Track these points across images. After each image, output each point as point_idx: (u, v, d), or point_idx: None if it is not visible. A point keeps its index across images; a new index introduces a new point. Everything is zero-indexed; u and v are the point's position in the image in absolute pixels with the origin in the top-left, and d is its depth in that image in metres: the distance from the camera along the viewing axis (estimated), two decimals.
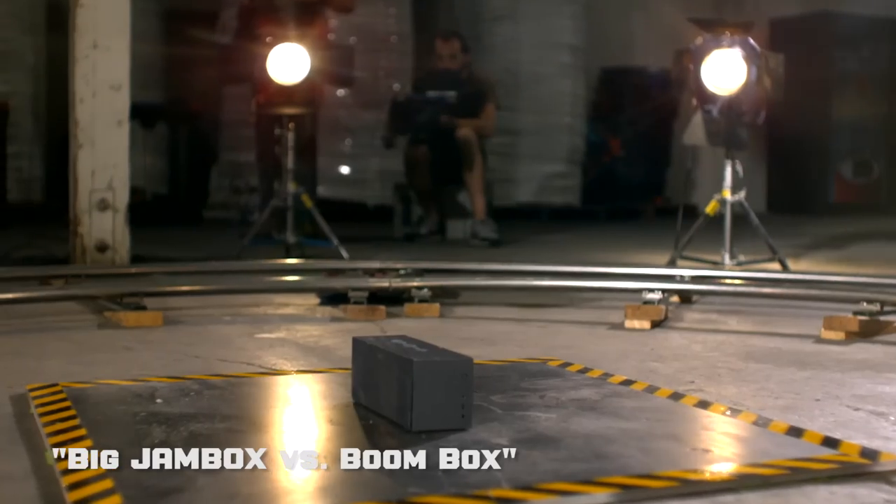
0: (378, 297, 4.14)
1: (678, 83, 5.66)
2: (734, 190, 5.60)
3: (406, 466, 1.92)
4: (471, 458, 1.94)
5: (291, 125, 6.31)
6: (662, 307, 3.90)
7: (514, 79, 10.41)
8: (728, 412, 2.36)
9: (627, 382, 2.68)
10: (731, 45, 5.40)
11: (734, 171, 5.60)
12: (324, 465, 1.92)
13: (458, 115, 7.80)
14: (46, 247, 6.03)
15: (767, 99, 5.50)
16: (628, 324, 3.81)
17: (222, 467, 1.89)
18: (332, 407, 2.39)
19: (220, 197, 9.96)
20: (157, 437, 2.10)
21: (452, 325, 3.88)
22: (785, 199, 12.33)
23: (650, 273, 4.47)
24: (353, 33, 9.57)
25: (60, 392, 2.50)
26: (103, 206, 5.27)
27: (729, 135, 5.52)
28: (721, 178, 5.63)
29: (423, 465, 1.92)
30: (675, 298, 4.51)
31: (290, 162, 6.31)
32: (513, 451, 2.00)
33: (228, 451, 1.96)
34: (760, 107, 5.50)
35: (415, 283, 4.15)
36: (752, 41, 5.40)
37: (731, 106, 5.46)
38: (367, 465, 1.93)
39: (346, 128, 9.80)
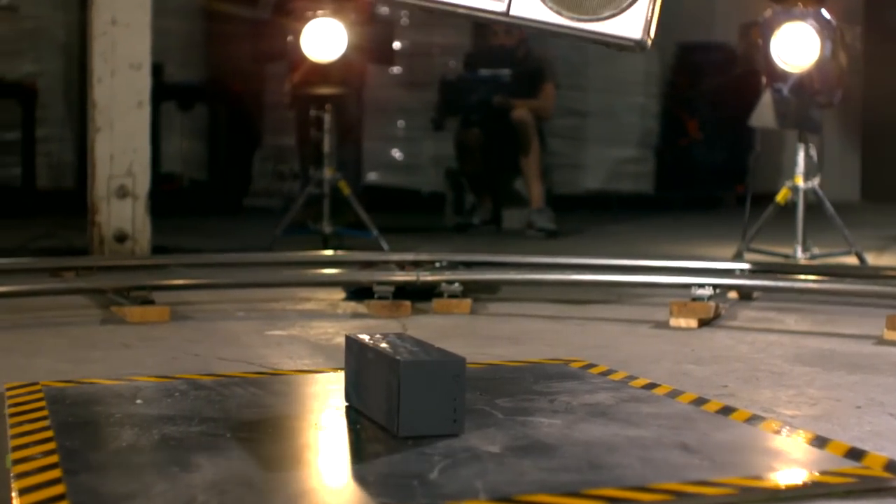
0: (408, 292, 4.15)
1: (745, 60, 5.60)
2: (808, 176, 5.52)
3: (381, 475, 1.93)
4: (451, 466, 1.95)
5: (328, 106, 6.34)
6: (711, 304, 3.86)
7: (580, 55, 10.35)
8: (751, 419, 2.33)
9: (650, 386, 2.66)
10: (802, 18, 5.32)
11: (807, 156, 5.53)
12: (295, 473, 1.93)
13: (513, 94, 7.78)
14: (67, 237, 6.12)
15: (843, 77, 5.41)
16: (673, 322, 3.78)
17: (182, 472, 1.91)
18: (320, 410, 2.41)
19: (262, 183, 10.02)
20: (126, 440, 2.13)
21: (482, 322, 3.88)
22: (882, 186, 12.13)
23: (704, 267, 4.42)
24: (403, 7, 9.58)
25: (39, 392, 2.54)
26: (122, 193, 5.33)
27: (801, 116, 5.45)
28: (794, 164, 5.56)
29: (399, 474, 1.93)
30: (733, 295, 4.47)
31: (327, 146, 6.34)
32: (500, 459, 2.00)
33: (195, 457, 1.99)
34: (836, 85, 5.42)
35: (444, 277, 4.16)
36: (825, 13, 5.32)
37: (804, 84, 5.39)
38: (340, 473, 1.94)
39: (398, 109, 9.82)
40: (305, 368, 2.93)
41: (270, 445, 2.12)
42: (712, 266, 4.54)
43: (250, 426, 2.25)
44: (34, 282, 4.05)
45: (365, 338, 2.37)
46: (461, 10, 2.19)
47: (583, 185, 10.67)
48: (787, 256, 5.49)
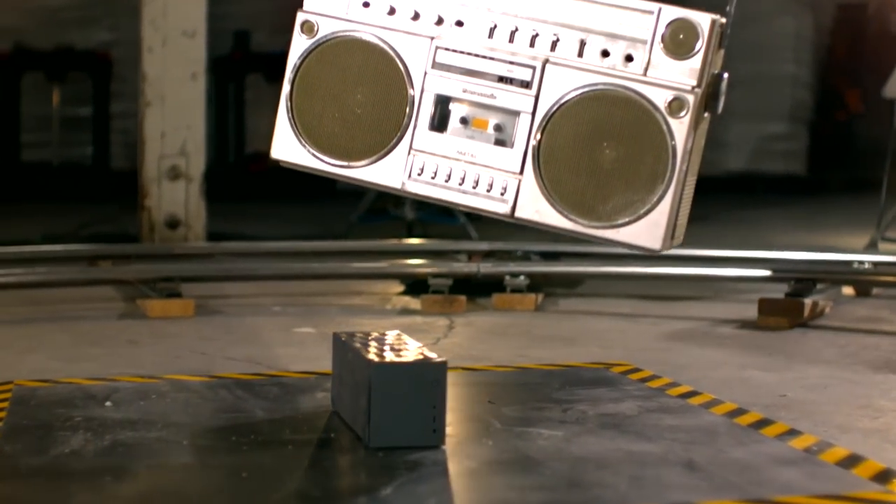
0: (473, 287, 4.15)
1: (878, 20, 5.46)
2: None
3: (330, 490, 1.94)
4: (412, 482, 1.95)
5: None
6: (807, 301, 3.78)
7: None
8: (784, 434, 2.29)
9: (690, 394, 2.63)
10: None
11: None
12: (235, 486, 1.95)
13: None
14: (123, 222, 6.24)
15: None
16: (761, 321, 3.72)
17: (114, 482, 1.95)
18: (301, 416, 2.43)
19: None
20: (73, 445, 2.18)
21: (542, 320, 3.86)
22: None
23: (813, 259, 4.33)
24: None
25: (8, 392, 2.61)
26: (174, 174, 5.42)
27: None
28: None
29: (350, 490, 1.94)
30: (848, 290, 4.38)
31: None
32: (472, 475, 2.00)
33: (136, 466, 2.03)
34: None
35: (507, 269, 4.14)
36: None
37: None
38: (286, 487, 1.95)
39: None
40: (315, 370, 2.95)
41: (225, 455, 2.14)
42: (823, 258, 4.45)
43: (215, 433, 2.29)
44: (46, 273, 4.13)
45: (349, 336, 2.38)
46: (463, 208, 2.29)
47: (723, 166, 10.51)
48: None
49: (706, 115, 2.21)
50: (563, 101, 2.19)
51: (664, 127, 2.14)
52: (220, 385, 2.70)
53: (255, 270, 4.31)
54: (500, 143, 2.23)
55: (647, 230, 2.16)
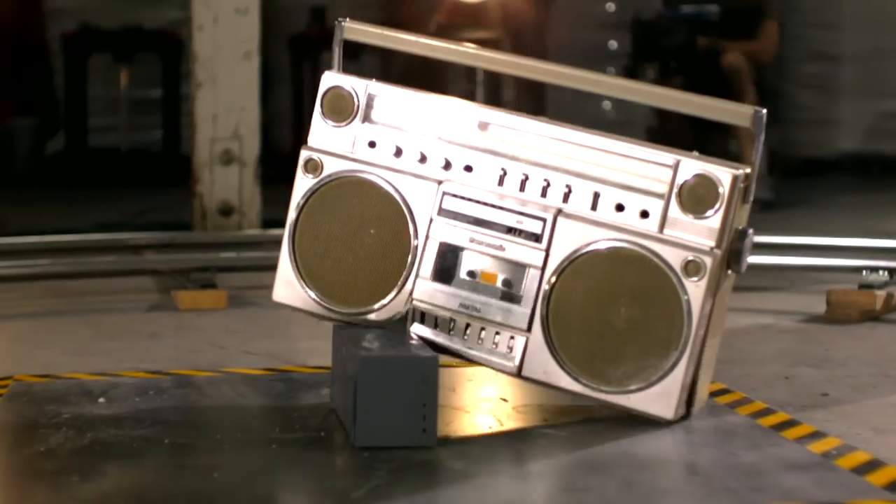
0: None
1: None
2: None
3: (300, 492, 1.97)
4: (389, 484, 1.96)
5: None
6: (880, 294, 3.71)
7: None
8: (807, 437, 2.27)
9: (719, 393, 2.61)
10: None
11: None
12: (201, 487, 1.98)
13: (723, 35, 7.64)
14: (177, 210, 6.31)
15: None
16: (828, 314, 3.68)
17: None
18: (297, 414, 2.44)
19: None
20: (51, 443, 2.22)
21: None
22: None
23: (888, 247, 4.26)
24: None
25: (5, 388, 2.67)
26: (227, 158, 5.47)
27: None
28: None
29: (320, 491, 1.96)
30: None
31: (480, 101, 6.37)
32: (456, 477, 2.01)
33: (108, 465, 2.07)
34: None
35: None
36: None
37: None
38: (252, 489, 1.98)
39: (605, 54, 9.75)
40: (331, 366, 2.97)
41: (203, 454, 2.17)
42: None
43: (201, 431, 2.33)
44: (73, 263, 4.20)
45: (348, 328, 2.40)
46: (470, 360, 2.33)
47: (834, 146, 10.37)
48: None
49: (729, 272, 2.22)
50: (574, 256, 2.22)
51: (679, 289, 2.16)
52: (224, 380, 2.73)
53: None
54: (507, 297, 2.26)
55: (659, 398, 2.19)
